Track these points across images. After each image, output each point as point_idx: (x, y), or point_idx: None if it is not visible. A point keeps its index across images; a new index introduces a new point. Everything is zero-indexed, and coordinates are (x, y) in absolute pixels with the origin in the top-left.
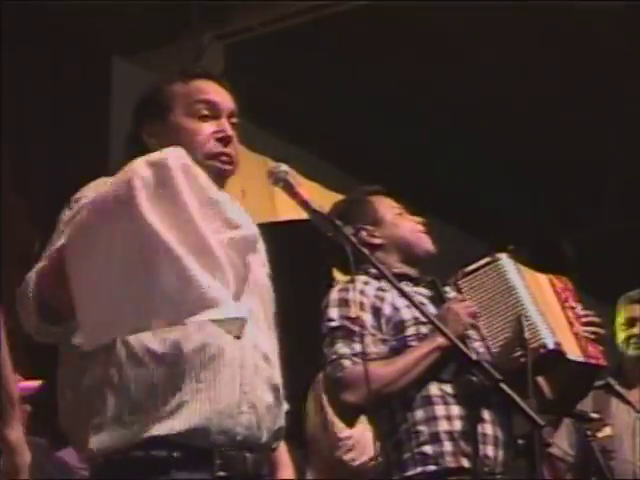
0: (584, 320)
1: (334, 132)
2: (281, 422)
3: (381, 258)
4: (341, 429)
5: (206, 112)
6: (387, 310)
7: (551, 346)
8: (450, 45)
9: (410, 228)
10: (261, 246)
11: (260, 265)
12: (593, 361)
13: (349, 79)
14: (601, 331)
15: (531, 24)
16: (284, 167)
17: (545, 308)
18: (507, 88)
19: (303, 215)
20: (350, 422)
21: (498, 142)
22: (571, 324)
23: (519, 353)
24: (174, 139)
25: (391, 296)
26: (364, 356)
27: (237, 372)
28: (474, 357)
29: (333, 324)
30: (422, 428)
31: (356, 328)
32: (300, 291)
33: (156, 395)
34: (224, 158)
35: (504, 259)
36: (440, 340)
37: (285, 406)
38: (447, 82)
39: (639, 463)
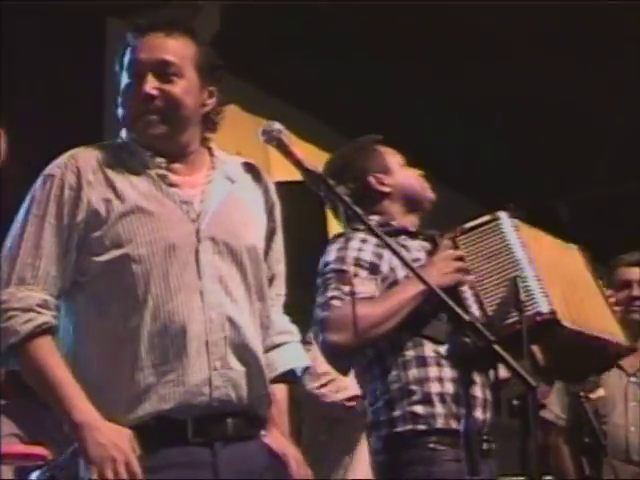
0: (611, 300)
1: (330, 93)
2: (264, 389)
3: (386, 207)
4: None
5: (133, 76)
6: (384, 268)
7: (546, 314)
8: (451, 13)
9: (415, 176)
10: (252, 208)
11: (244, 228)
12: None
13: (346, 40)
14: (619, 309)
15: None
16: (278, 125)
17: (545, 270)
18: (508, 51)
19: (298, 177)
20: (343, 370)
21: (495, 103)
22: (608, 305)
23: (514, 319)
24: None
25: (389, 254)
26: (352, 295)
27: (203, 349)
28: (466, 317)
29: (327, 275)
30: (415, 388)
31: (348, 274)
32: (295, 251)
33: (122, 379)
34: (144, 119)
35: (504, 218)
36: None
37: (266, 370)
38: (447, 47)
39: (632, 428)
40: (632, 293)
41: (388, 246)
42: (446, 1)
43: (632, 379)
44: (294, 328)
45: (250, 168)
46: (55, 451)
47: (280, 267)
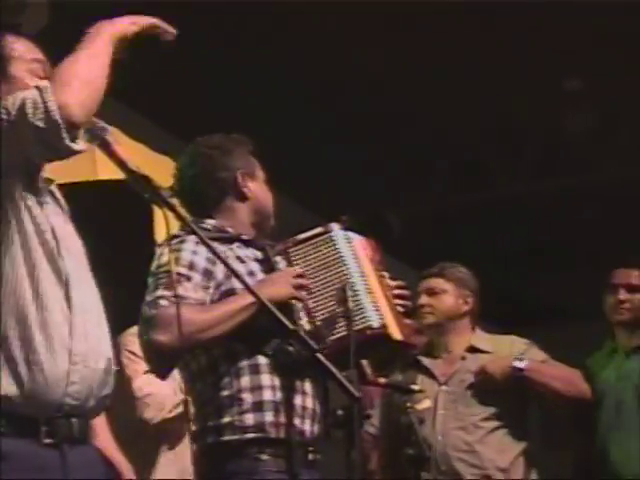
0: (396, 292)
1: (161, 92)
2: (109, 389)
3: (237, 209)
4: (139, 388)
5: (41, 73)
6: (219, 275)
7: (376, 328)
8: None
9: (271, 199)
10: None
11: (71, 227)
12: (408, 341)
13: (182, 39)
14: (409, 304)
15: None
16: (102, 124)
17: (371, 281)
18: (344, 58)
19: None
20: (162, 373)
21: (328, 109)
22: (387, 297)
23: (343, 333)
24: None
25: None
26: (182, 299)
27: (67, 341)
28: (291, 326)
29: (159, 276)
30: (246, 396)
31: (180, 278)
32: (119, 254)
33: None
34: None
35: (336, 230)
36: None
37: (114, 369)
38: (283, 47)
39: (439, 437)
40: (417, 302)
41: (215, 254)
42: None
43: (443, 388)
44: None
45: None
46: None
47: None
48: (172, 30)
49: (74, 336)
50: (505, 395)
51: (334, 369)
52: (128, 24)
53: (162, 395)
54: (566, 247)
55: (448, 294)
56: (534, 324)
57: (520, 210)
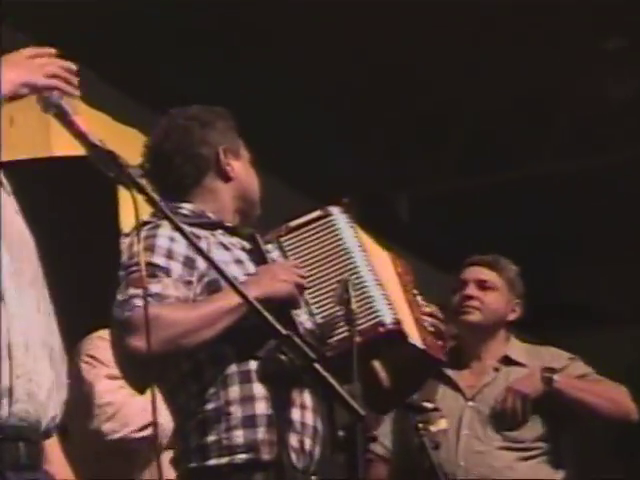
0: (426, 310)
1: (129, 56)
2: (62, 405)
3: (219, 191)
4: (100, 394)
5: None
6: (202, 264)
7: (389, 324)
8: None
9: (257, 184)
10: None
11: (14, 213)
12: (432, 352)
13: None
14: (442, 327)
15: None
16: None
17: (384, 278)
18: (334, 36)
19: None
20: (140, 386)
21: (326, 86)
22: (411, 308)
23: (346, 334)
24: None
25: (206, 247)
26: (161, 298)
27: (5, 352)
28: (284, 331)
29: (131, 269)
30: (235, 409)
31: (157, 272)
32: (80, 239)
33: None
34: None
35: (337, 214)
36: (254, 293)
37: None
38: (269, 21)
39: (461, 462)
40: (463, 292)
41: (194, 245)
42: None
43: (470, 403)
44: None
45: None
46: None
47: None
48: (74, 92)
49: (12, 345)
50: (538, 415)
51: (334, 382)
52: (20, 85)
53: (127, 408)
54: (600, 237)
55: (499, 293)
56: (555, 324)
57: (546, 193)
